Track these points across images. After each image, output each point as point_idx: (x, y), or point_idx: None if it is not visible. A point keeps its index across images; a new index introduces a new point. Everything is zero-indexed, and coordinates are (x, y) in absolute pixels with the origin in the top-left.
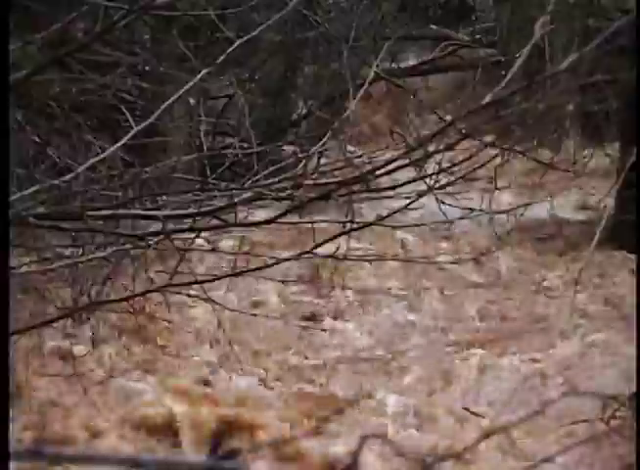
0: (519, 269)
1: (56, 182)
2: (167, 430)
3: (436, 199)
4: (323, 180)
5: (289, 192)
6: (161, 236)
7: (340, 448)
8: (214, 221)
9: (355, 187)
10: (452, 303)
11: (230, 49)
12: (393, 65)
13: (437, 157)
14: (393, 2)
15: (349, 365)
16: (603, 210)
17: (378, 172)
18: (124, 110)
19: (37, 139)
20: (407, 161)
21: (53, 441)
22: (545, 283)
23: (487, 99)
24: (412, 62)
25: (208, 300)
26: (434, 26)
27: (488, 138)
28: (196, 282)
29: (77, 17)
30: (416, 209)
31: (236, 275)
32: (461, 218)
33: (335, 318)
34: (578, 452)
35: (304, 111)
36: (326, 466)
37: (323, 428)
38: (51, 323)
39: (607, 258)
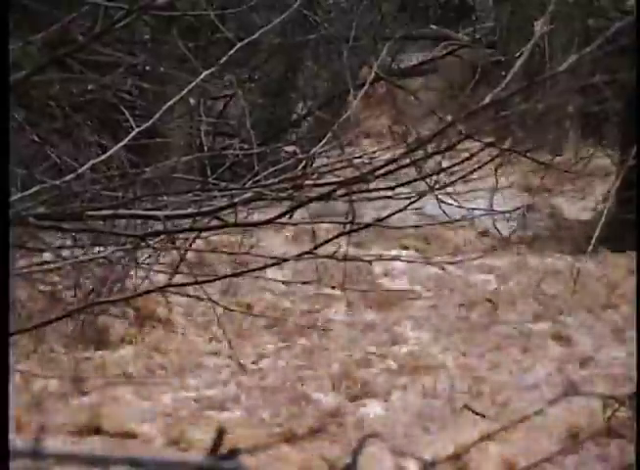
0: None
1: (56, 182)
2: None
3: (437, 199)
4: (323, 180)
5: (289, 192)
6: (162, 236)
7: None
8: (214, 221)
9: (355, 187)
10: None
11: (231, 51)
12: (393, 65)
13: (437, 157)
14: (393, 2)
15: None
16: (602, 210)
17: (378, 172)
18: (124, 110)
19: (37, 139)
20: (407, 161)
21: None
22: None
23: (487, 99)
24: (412, 62)
25: (208, 300)
26: (434, 26)
27: (488, 139)
28: (196, 282)
29: (77, 17)
30: (416, 209)
31: (236, 275)
32: (461, 219)
33: None
34: (578, 452)
35: (304, 111)
36: None
37: None
38: (51, 323)
39: (606, 258)
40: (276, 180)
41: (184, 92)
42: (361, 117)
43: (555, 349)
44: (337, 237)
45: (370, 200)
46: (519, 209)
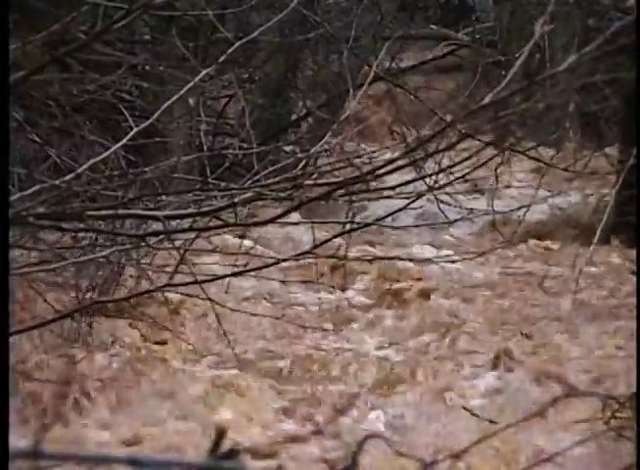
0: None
1: (56, 182)
2: None
3: (436, 199)
4: (323, 180)
5: (289, 192)
6: (161, 236)
7: None
8: (214, 221)
9: (355, 187)
10: None
11: (230, 50)
12: (393, 65)
13: (437, 157)
14: (393, 2)
15: None
16: (603, 210)
17: (378, 172)
18: (124, 110)
19: (37, 139)
20: (407, 161)
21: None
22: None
23: (487, 99)
24: (412, 62)
25: (209, 299)
26: (434, 26)
27: (488, 138)
28: (196, 282)
29: (77, 16)
30: (416, 209)
31: (236, 275)
32: (461, 219)
33: None
34: (578, 452)
35: (304, 111)
36: None
37: None
38: (51, 323)
39: (606, 258)
40: (276, 180)
41: (183, 91)
42: (361, 117)
43: None
44: (337, 237)
45: (370, 200)
46: (519, 209)
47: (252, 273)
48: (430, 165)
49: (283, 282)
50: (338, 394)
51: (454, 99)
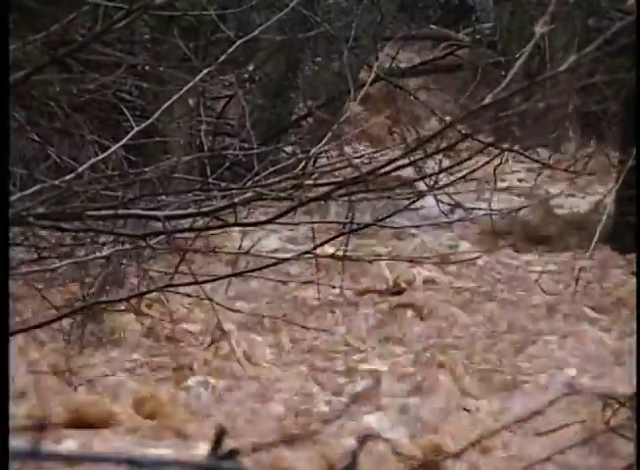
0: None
1: (56, 182)
2: None
3: (436, 199)
4: (323, 180)
5: (289, 192)
6: (162, 236)
7: None
8: (214, 221)
9: (355, 187)
10: None
11: (230, 49)
12: (393, 65)
13: (437, 157)
14: (393, 2)
15: None
16: (602, 210)
17: (378, 172)
18: (124, 110)
19: (37, 139)
20: (407, 161)
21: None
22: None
23: (487, 100)
24: (412, 62)
25: (209, 300)
26: (433, 26)
27: (488, 139)
28: (196, 282)
29: (77, 17)
30: (416, 209)
31: (236, 275)
32: (460, 220)
33: None
34: (578, 452)
35: (304, 111)
36: None
37: None
38: (51, 323)
39: (606, 258)
40: (276, 180)
41: (183, 90)
42: (361, 118)
43: None
44: (337, 237)
45: (370, 200)
46: (519, 209)
47: (254, 273)
48: (430, 165)
49: (283, 282)
50: None
51: (454, 99)
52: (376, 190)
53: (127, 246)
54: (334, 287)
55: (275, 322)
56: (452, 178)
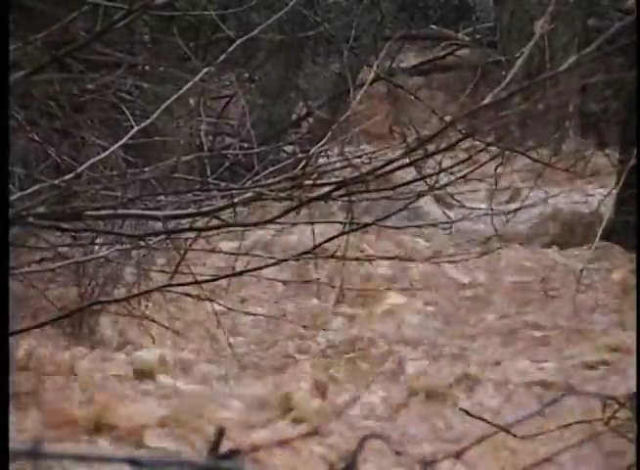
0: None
1: (56, 182)
2: None
3: (436, 199)
4: (323, 180)
5: (289, 192)
6: (162, 236)
7: None
8: (214, 221)
9: (355, 187)
10: None
11: (230, 49)
12: (393, 65)
13: (438, 157)
14: (393, 2)
15: None
16: (603, 210)
17: (378, 172)
18: (125, 109)
19: (37, 139)
20: (407, 161)
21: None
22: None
23: (487, 99)
24: (412, 62)
25: (209, 300)
26: (434, 26)
27: (488, 138)
28: (196, 282)
29: (77, 17)
30: (416, 209)
31: (236, 275)
32: (461, 220)
33: None
34: (578, 452)
35: (304, 111)
36: None
37: None
38: (51, 323)
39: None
40: (276, 180)
41: (183, 90)
42: (361, 117)
43: None
44: (337, 237)
45: (370, 200)
46: (518, 209)
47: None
48: (430, 165)
49: (283, 283)
50: None
51: (454, 99)
52: (376, 190)
53: (127, 246)
54: (333, 287)
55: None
56: (452, 178)
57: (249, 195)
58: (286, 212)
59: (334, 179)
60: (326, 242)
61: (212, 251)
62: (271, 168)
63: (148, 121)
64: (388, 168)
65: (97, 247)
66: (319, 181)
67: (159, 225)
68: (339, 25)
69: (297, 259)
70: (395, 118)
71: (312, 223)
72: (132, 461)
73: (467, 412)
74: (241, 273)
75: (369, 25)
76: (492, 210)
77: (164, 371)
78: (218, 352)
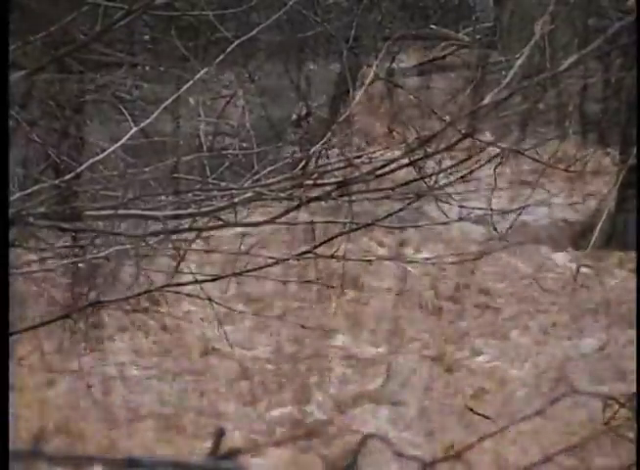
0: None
1: (56, 182)
2: None
3: (436, 199)
4: (323, 180)
5: (289, 192)
6: (161, 236)
7: None
8: (214, 221)
9: (355, 187)
10: None
11: (229, 49)
12: (393, 65)
13: (437, 157)
14: (393, 2)
15: None
16: (602, 209)
17: (378, 172)
18: (124, 110)
19: (37, 139)
20: (407, 161)
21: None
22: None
23: (487, 99)
24: (412, 62)
25: (208, 300)
26: (434, 26)
27: (488, 138)
28: (196, 282)
29: (77, 17)
30: (417, 209)
31: (236, 275)
32: (460, 220)
33: None
34: (578, 452)
35: (304, 111)
36: None
37: None
38: (51, 323)
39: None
40: (276, 180)
41: (182, 90)
42: (361, 117)
43: None
44: (337, 237)
45: (370, 200)
46: (518, 209)
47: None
48: (430, 165)
49: (283, 282)
50: None
51: (454, 99)
52: (376, 190)
53: (127, 246)
54: (333, 287)
55: None
56: (452, 178)
57: (249, 195)
58: (286, 212)
59: (334, 179)
60: (326, 242)
61: (212, 251)
62: (271, 168)
63: (147, 121)
64: (387, 168)
65: (96, 247)
66: (319, 181)
67: (159, 225)
68: (339, 25)
69: (298, 259)
70: (395, 118)
71: (312, 223)
72: (132, 461)
73: (472, 410)
74: (241, 273)
75: (369, 25)
76: (492, 210)
77: None
78: None
